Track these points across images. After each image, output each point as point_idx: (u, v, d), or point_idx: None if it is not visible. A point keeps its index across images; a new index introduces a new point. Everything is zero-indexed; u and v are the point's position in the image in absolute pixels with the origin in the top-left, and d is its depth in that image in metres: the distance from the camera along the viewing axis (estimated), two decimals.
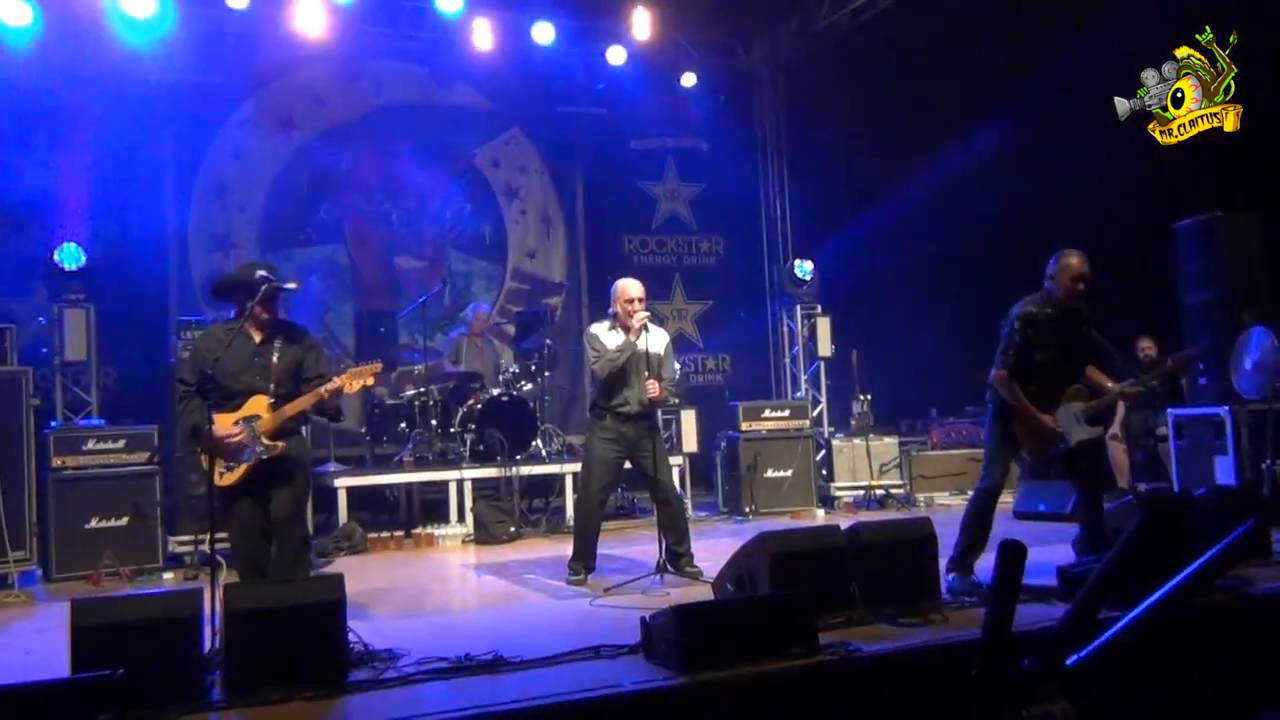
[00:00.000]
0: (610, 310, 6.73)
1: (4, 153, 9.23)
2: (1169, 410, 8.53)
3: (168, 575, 7.62)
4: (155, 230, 10.08)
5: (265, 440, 5.06)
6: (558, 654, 4.40)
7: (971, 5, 10.05)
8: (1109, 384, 5.72)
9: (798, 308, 11.99)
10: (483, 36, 10.86)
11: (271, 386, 5.16)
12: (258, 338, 5.23)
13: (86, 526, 7.54)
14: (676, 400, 6.97)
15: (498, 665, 4.26)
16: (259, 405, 5.10)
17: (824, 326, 11.47)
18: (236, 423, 5.04)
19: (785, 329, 12.49)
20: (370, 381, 5.37)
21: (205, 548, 7.10)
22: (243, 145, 10.85)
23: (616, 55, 11.59)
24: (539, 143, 12.36)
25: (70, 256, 8.36)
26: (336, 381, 5.13)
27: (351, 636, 4.36)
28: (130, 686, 3.38)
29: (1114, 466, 9.48)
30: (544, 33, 11.15)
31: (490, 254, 12.27)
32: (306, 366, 5.31)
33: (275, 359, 5.19)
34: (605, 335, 6.60)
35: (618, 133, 12.66)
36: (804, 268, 11.64)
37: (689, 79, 12.31)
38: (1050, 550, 6.06)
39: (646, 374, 6.45)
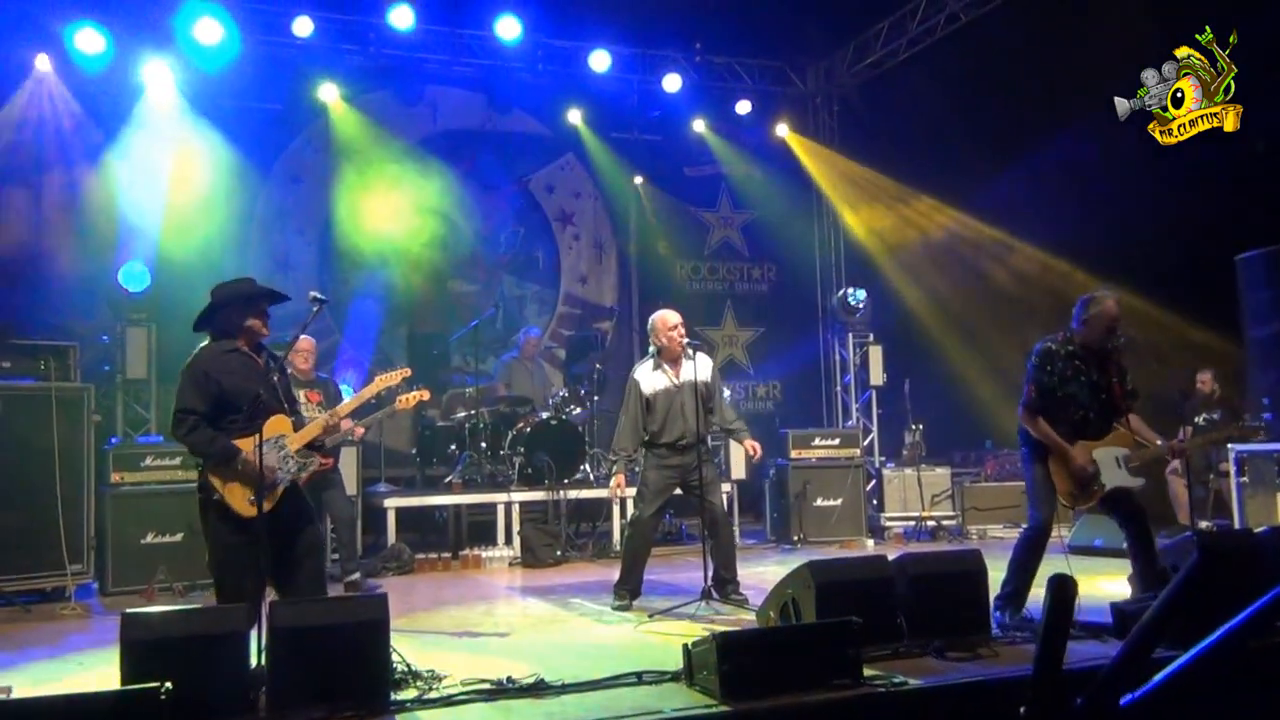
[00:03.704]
0: (651, 348, 6.74)
1: (75, 172, 9.50)
2: (1231, 446, 8.31)
3: None
4: (217, 252, 10.26)
5: (299, 458, 4.80)
6: (600, 679, 4.38)
7: (1025, 36, 9.98)
8: (1157, 440, 5.58)
9: (850, 336, 11.91)
10: (540, 64, 11.05)
11: (285, 406, 4.87)
12: (259, 359, 4.83)
13: (142, 541, 7.68)
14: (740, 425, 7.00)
15: (540, 688, 4.25)
16: (282, 425, 4.77)
17: (876, 355, 11.37)
18: (261, 445, 4.57)
19: (837, 357, 12.41)
20: (408, 400, 5.30)
21: None
22: (303, 170, 11.07)
23: (671, 82, 11.68)
24: (593, 169, 12.45)
25: (134, 277, 8.56)
26: (364, 393, 5.01)
27: (395, 657, 4.37)
28: (177, 699, 3.42)
29: (1173, 501, 9.25)
30: (600, 60, 11.29)
31: (543, 278, 12.36)
32: (290, 390, 5.08)
33: (275, 379, 4.84)
34: (647, 379, 6.62)
35: (671, 159, 12.74)
36: (857, 295, 11.55)
37: (743, 106, 12.35)
38: (1106, 586, 5.93)
39: (697, 406, 6.46)
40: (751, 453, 6.83)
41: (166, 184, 9.80)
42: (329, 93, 10.74)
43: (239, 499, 4.55)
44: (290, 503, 4.80)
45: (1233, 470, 8.16)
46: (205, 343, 4.83)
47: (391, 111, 11.36)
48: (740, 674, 3.97)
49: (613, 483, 6.80)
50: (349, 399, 4.93)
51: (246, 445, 4.54)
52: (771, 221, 13.19)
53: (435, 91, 11.62)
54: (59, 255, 9.26)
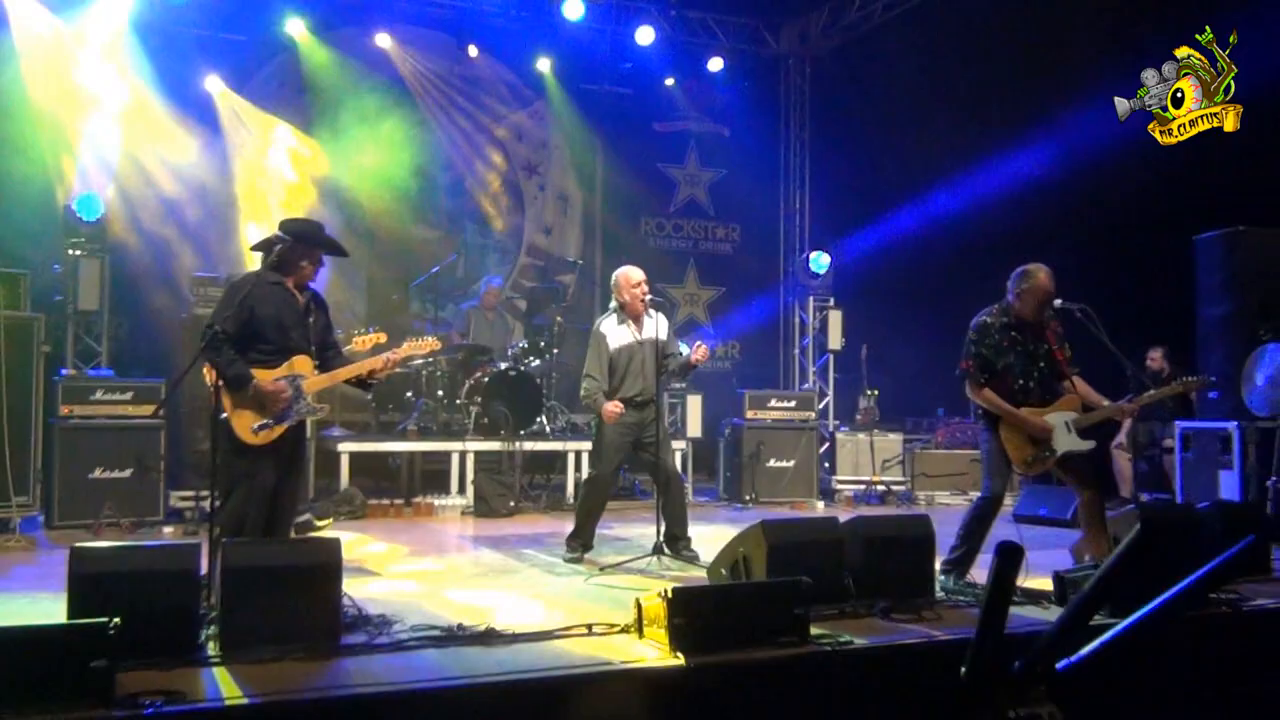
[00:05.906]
0: (614, 303, 6.73)
1: (31, 98, 9.22)
2: (1177, 422, 8.49)
3: (167, 529, 7.66)
4: (174, 186, 10.05)
5: (312, 401, 4.96)
6: (550, 629, 4.42)
7: (1004, 7, 9.95)
8: (1104, 401, 5.69)
9: (810, 299, 11.95)
10: (512, 9, 10.87)
11: (313, 349, 5.06)
12: (300, 298, 5.06)
13: (90, 476, 7.58)
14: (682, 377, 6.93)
15: (489, 636, 4.28)
16: (304, 365, 4.97)
17: (835, 319, 11.41)
18: (279, 379, 4.87)
19: (796, 320, 12.48)
20: (428, 353, 5.49)
21: (205, 504, 7.16)
22: (267, 106, 10.82)
23: (644, 35, 11.54)
24: (561, 119, 12.31)
25: (88, 207, 8.37)
26: (401, 351, 5.25)
27: (346, 600, 4.37)
28: (125, 635, 3.40)
29: (1117, 475, 9.45)
30: (574, 8, 11.11)
31: (506, 228, 12.25)
32: (327, 334, 5.27)
33: (312, 320, 5.08)
34: (612, 334, 6.62)
35: (641, 114, 12.62)
36: (820, 260, 11.58)
37: (716, 63, 12.26)
38: (1048, 555, 6.06)
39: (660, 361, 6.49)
40: (699, 355, 6.53)
41: (123, 113, 9.56)
42: (296, 26, 10.50)
43: (243, 424, 4.76)
44: (290, 445, 4.97)
45: (1177, 446, 8.34)
46: (256, 268, 5.04)
47: (359, 49, 11.10)
48: (690, 628, 4.02)
49: (610, 406, 6.38)
50: (371, 358, 5.12)
51: (263, 376, 4.78)
52: (738, 181, 13.16)
53: (405, 31, 11.39)
54: (9, 176, 8.99)
